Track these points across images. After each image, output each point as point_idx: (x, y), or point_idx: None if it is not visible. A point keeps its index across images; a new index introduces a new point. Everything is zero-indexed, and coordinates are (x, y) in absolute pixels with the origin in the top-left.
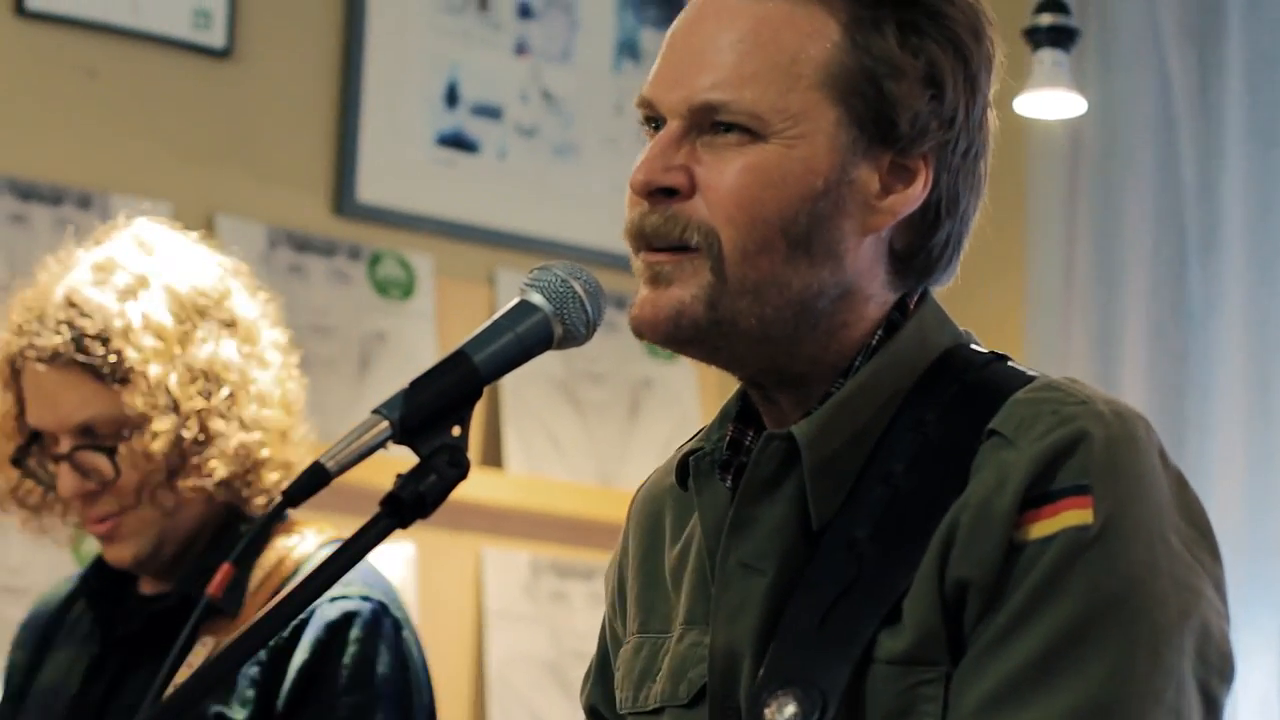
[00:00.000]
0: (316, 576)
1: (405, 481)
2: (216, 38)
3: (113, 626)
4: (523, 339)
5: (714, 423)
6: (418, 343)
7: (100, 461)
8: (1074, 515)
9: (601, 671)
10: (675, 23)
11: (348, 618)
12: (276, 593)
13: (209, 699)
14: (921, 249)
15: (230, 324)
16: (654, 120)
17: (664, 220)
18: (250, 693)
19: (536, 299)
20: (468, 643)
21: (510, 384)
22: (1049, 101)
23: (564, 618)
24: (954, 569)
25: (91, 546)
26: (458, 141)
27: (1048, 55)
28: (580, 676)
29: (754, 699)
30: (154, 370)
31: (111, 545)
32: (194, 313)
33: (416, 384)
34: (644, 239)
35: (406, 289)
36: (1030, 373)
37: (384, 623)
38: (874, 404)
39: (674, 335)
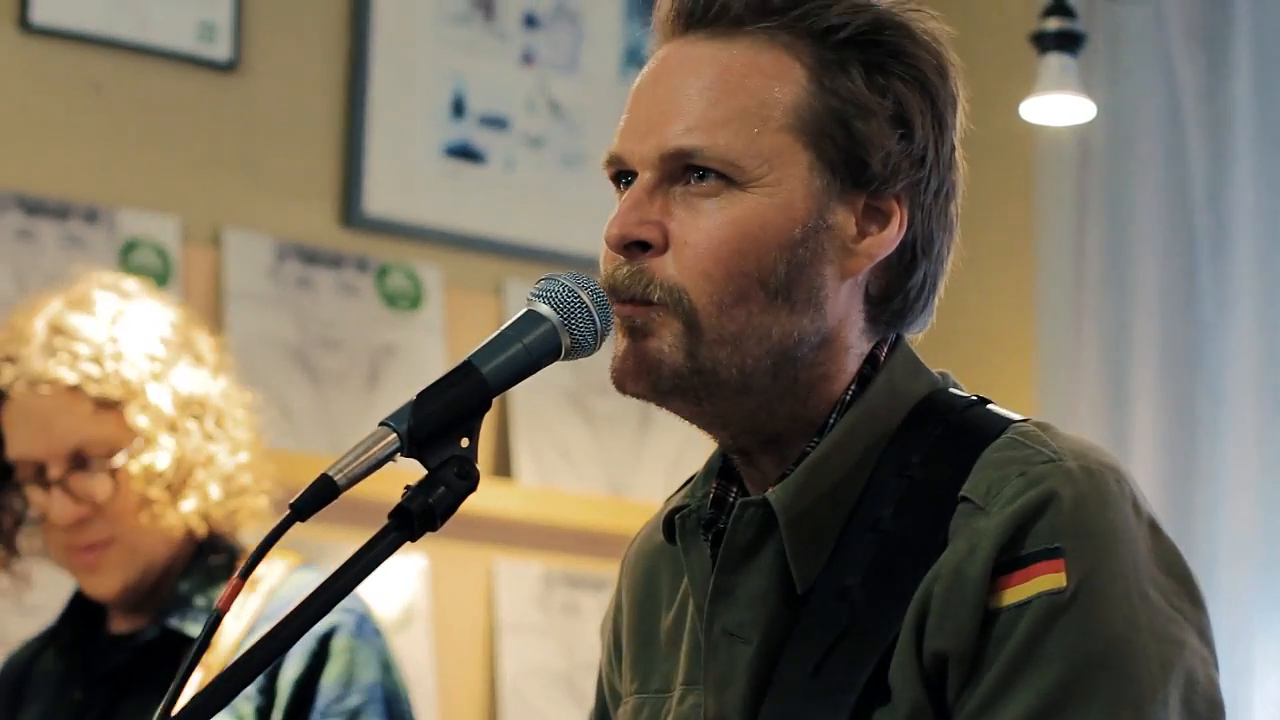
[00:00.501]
0: (324, 590)
1: (414, 494)
2: (222, 51)
3: (92, 668)
4: (530, 350)
5: (699, 478)
6: (427, 354)
7: (95, 484)
8: (1047, 580)
9: None
10: (639, 77)
11: (333, 628)
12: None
13: None
14: (898, 292)
15: (199, 359)
16: (624, 176)
17: (630, 275)
18: (247, 709)
19: (543, 309)
20: (480, 655)
21: (520, 395)
22: (1057, 107)
23: (577, 629)
24: (931, 641)
25: None
26: (465, 152)
27: (1055, 60)
28: (591, 688)
29: None
30: (152, 390)
31: (95, 576)
32: (173, 342)
33: (424, 396)
34: (614, 293)
35: (415, 301)
36: (1011, 416)
37: (367, 630)
38: (850, 459)
39: (656, 386)
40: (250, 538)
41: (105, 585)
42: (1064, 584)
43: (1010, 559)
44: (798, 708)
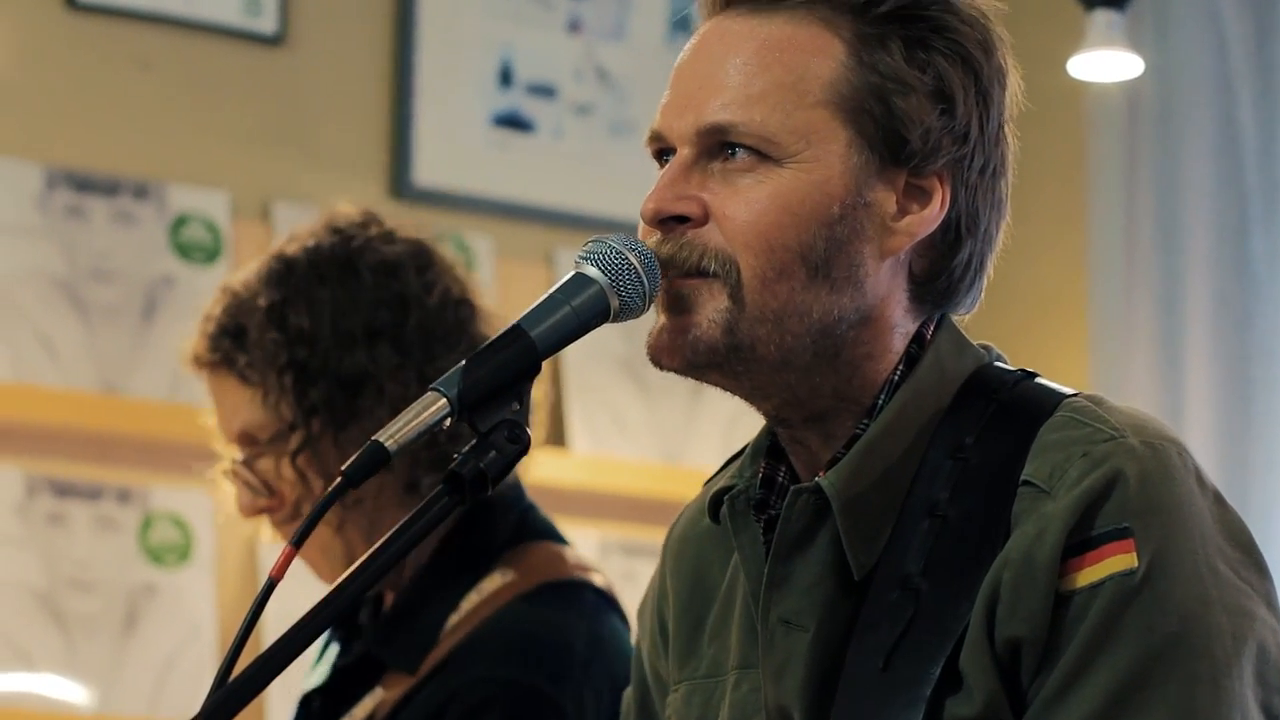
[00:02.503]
0: (378, 555)
1: (465, 458)
2: (268, 24)
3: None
4: (579, 312)
5: (745, 458)
6: None
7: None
8: (1118, 560)
9: (641, 709)
10: (681, 54)
11: (484, 707)
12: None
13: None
14: (942, 271)
15: None
16: (665, 154)
17: (679, 247)
18: None
19: (592, 271)
20: None
21: (573, 363)
22: (1105, 63)
23: (633, 597)
24: (1003, 628)
25: (160, 536)
26: (513, 121)
27: (1102, 16)
28: None
29: None
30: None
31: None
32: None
33: (473, 360)
34: (667, 266)
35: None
36: (1062, 391)
37: (529, 715)
38: (902, 441)
39: (692, 362)
40: None
41: (323, 575)
42: (1135, 564)
43: (1079, 541)
44: (871, 704)
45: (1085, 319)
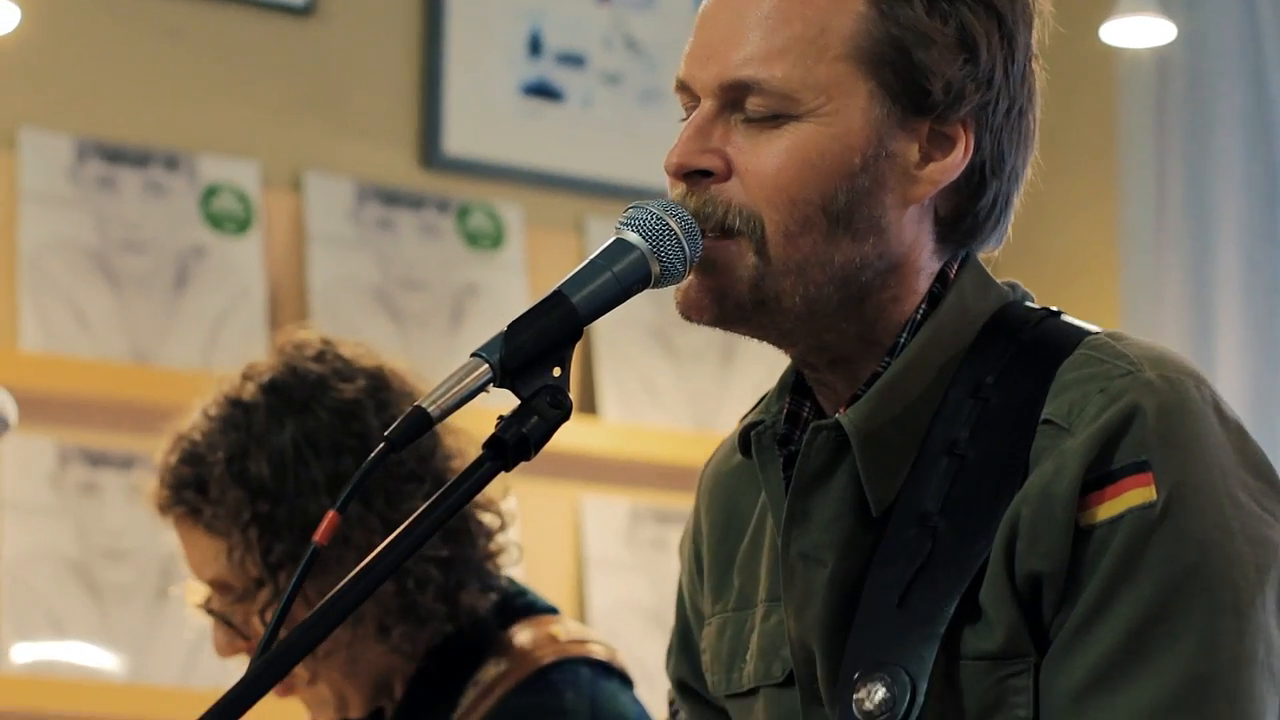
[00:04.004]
0: (419, 522)
1: (508, 424)
2: None
3: None
4: (620, 278)
5: (773, 392)
6: (509, 293)
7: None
8: (1137, 494)
9: (684, 643)
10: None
11: None
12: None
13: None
14: (968, 213)
15: None
16: (693, 103)
17: (704, 203)
18: None
19: (632, 237)
20: (569, 592)
21: (604, 331)
22: (1137, 28)
23: (664, 564)
24: (1023, 562)
25: None
26: (543, 90)
27: None
28: None
29: (842, 683)
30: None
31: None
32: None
33: (515, 326)
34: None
35: (496, 240)
36: (1085, 327)
37: None
38: (923, 380)
39: (720, 317)
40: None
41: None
42: (1154, 496)
43: (1098, 476)
44: (886, 639)
45: (1116, 284)
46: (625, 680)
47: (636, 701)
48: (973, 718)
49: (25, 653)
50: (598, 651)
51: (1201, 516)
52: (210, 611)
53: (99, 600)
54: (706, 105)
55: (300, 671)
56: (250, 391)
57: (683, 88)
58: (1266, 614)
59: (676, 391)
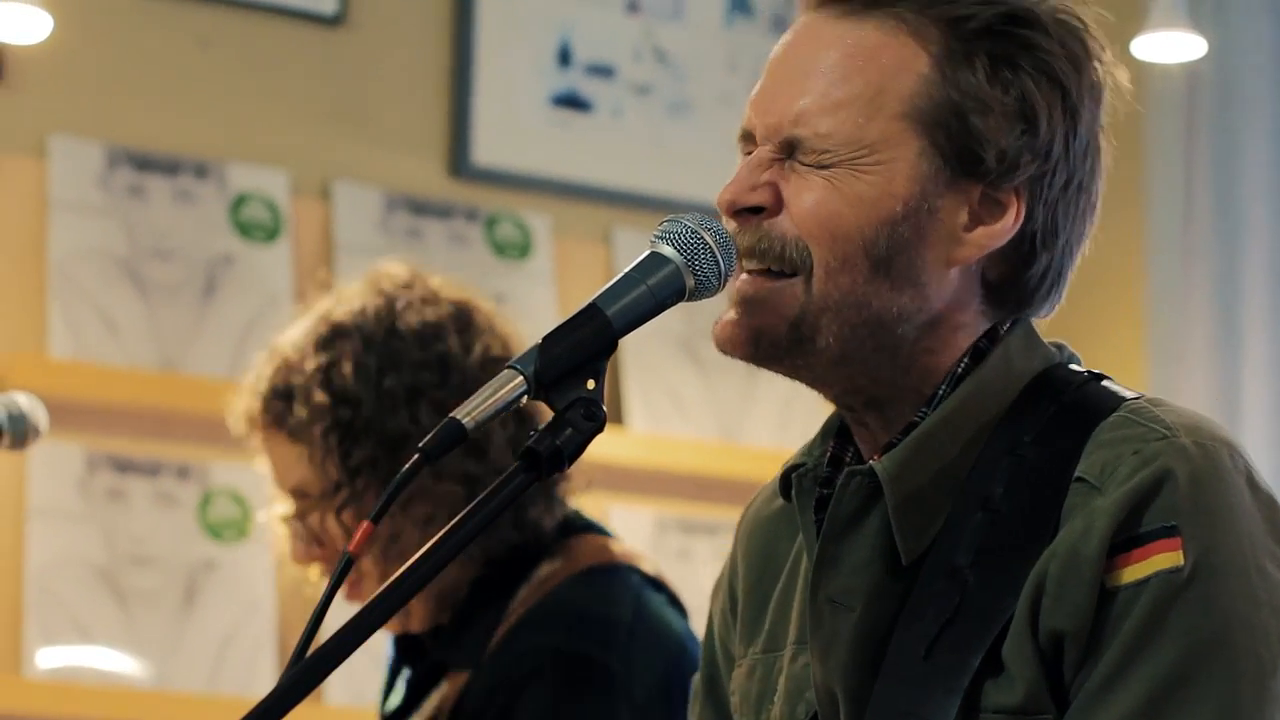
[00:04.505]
0: (452, 533)
1: (542, 436)
2: (328, 4)
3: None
4: (655, 291)
5: (817, 437)
6: (537, 303)
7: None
8: (1164, 558)
9: (709, 687)
10: (776, 47)
11: (536, 674)
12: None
13: None
14: (1018, 280)
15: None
16: (753, 148)
17: (759, 238)
18: None
19: (667, 251)
20: None
21: (631, 342)
22: (1167, 43)
23: (690, 575)
24: (1047, 619)
25: (219, 512)
26: (572, 101)
27: None
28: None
29: None
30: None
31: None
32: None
33: (550, 338)
34: (748, 256)
35: (524, 250)
36: (1124, 394)
37: (583, 682)
38: (961, 434)
39: (755, 355)
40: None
41: None
42: (1181, 562)
43: (1127, 538)
44: (911, 690)
45: (1143, 297)
46: (675, 601)
47: (682, 619)
48: None
49: (51, 658)
50: (649, 567)
51: (1228, 585)
52: (289, 522)
53: (125, 606)
54: (763, 150)
55: (370, 572)
56: (340, 313)
57: (745, 135)
58: None
59: (703, 402)
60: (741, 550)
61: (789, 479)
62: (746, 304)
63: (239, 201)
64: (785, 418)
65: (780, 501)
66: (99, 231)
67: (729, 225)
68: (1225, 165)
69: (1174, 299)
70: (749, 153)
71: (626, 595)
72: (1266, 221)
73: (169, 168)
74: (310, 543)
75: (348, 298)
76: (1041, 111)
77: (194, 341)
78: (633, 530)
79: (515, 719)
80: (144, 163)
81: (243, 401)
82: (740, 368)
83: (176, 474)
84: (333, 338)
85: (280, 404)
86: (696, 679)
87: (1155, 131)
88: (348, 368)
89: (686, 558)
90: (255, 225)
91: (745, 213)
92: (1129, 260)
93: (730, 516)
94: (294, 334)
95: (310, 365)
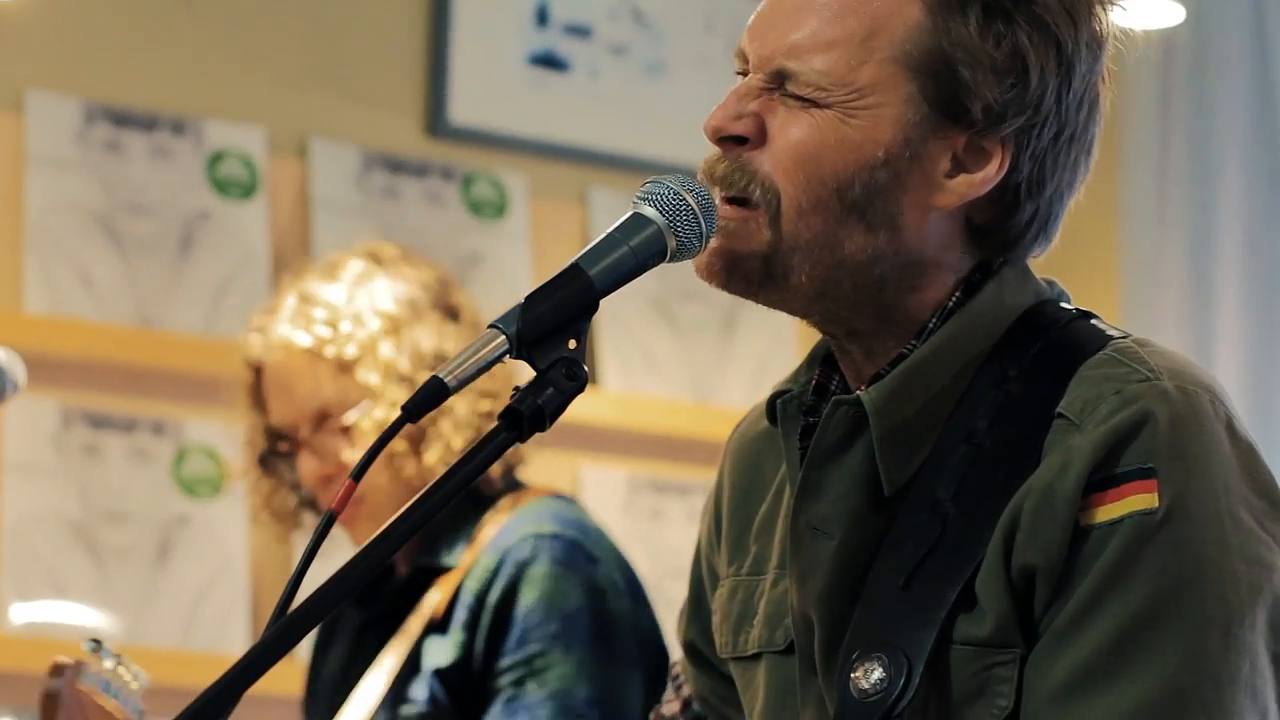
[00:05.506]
0: (433, 492)
1: (523, 395)
2: None
3: (369, 609)
4: (637, 252)
5: (803, 364)
6: (512, 263)
7: (337, 443)
8: (1139, 499)
9: (696, 608)
10: None
11: (532, 556)
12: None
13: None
14: (1000, 227)
15: (454, 317)
16: (747, 70)
17: (731, 169)
18: (460, 636)
19: (649, 212)
20: None
21: (605, 302)
22: (1146, 10)
23: (662, 535)
24: (1020, 554)
25: (193, 468)
26: (549, 61)
27: None
28: (677, 593)
29: (841, 659)
30: (384, 347)
31: (354, 531)
32: (419, 300)
33: (532, 298)
34: (713, 183)
35: (500, 209)
36: (1111, 332)
37: (575, 557)
38: (950, 367)
39: (730, 284)
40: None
41: (363, 539)
42: (1156, 504)
43: (1103, 477)
44: (889, 620)
45: (1116, 260)
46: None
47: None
48: (956, 701)
49: (24, 613)
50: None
51: (1201, 530)
52: (306, 441)
53: (99, 561)
54: (754, 78)
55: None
56: (358, 254)
57: (741, 55)
58: (1255, 634)
59: (677, 363)
60: (728, 471)
61: (774, 404)
62: (722, 231)
63: (216, 158)
64: (759, 378)
65: (767, 424)
66: (76, 187)
67: (713, 151)
68: (1200, 131)
69: (1148, 264)
70: (741, 72)
71: (584, 511)
72: (1241, 188)
73: (146, 124)
74: (323, 463)
75: (364, 249)
76: (1033, 65)
77: (170, 298)
78: (605, 490)
79: (521, 590)
80: (121, 119)
81: (257, 341)
82: (714, 328)
83: (151, 430)
84: (363, 272)
85: (316, 326)
86: (686, 598)
87: (1129, 96)
88: (371, 310)
89: (659, 518)
90: (232, 182)
91: (728, 140)
92: (1103, 225)
93: (703, 478)
94: (316, 271)
95: (338, 293)
